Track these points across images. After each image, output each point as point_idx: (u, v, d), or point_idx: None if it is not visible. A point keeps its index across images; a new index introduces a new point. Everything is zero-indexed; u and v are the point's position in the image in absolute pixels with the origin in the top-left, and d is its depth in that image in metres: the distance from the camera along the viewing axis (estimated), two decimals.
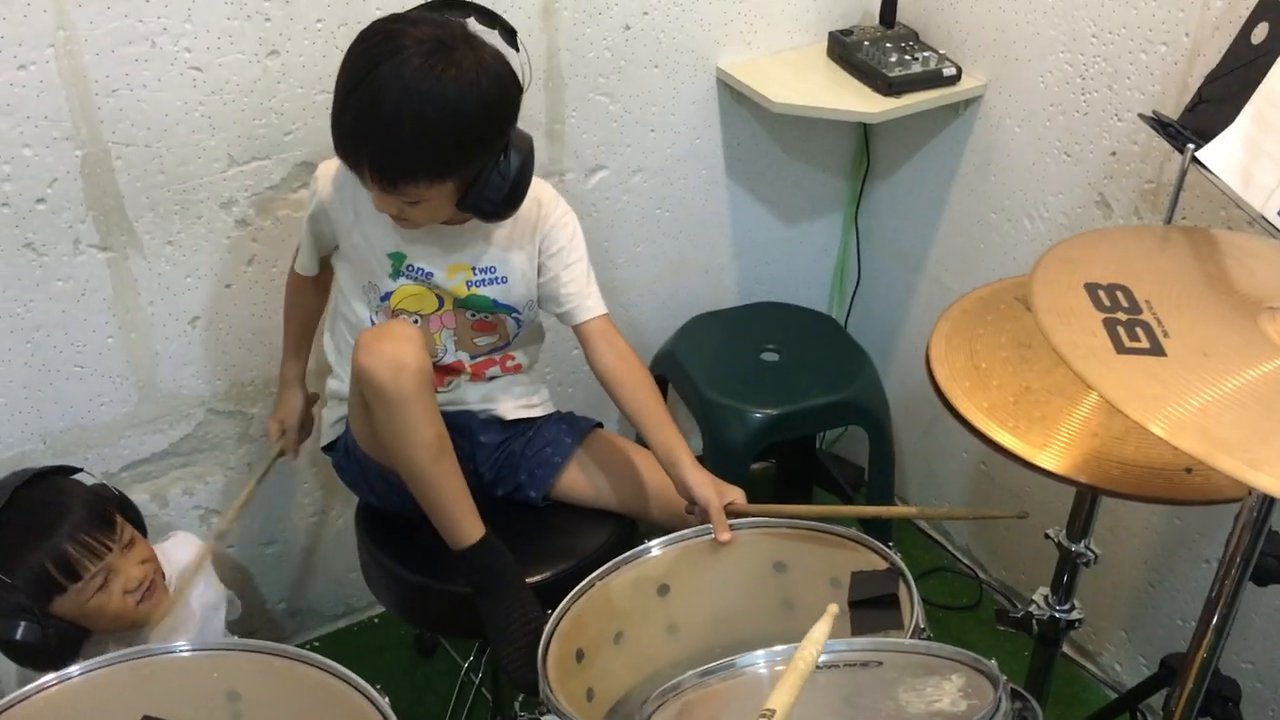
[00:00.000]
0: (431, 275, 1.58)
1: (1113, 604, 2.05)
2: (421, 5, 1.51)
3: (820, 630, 1.05)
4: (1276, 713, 1.82)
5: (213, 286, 1.80)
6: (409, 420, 1.44)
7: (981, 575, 2.35)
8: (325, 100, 1.72)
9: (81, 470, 1.58)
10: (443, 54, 1.38)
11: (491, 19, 1.53)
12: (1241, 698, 1.60)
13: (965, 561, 2.39)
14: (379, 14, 1.70)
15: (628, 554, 1.47)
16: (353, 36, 1.68)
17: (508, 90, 1.44)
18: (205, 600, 1.68)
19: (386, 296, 1.59)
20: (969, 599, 2.31)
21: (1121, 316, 0.97)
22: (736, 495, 1.55)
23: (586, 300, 1.62)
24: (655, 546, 1.49)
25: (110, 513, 1.51)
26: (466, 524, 1.51)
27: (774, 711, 0.94)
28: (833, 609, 1.08)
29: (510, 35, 1.53)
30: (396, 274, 1.58)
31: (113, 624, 1.51)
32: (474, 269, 1.59)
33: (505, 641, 1.49)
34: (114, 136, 1.62)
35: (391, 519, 1.66)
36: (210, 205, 1.74)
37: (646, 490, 1.66)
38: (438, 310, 1.61)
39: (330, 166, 1.58)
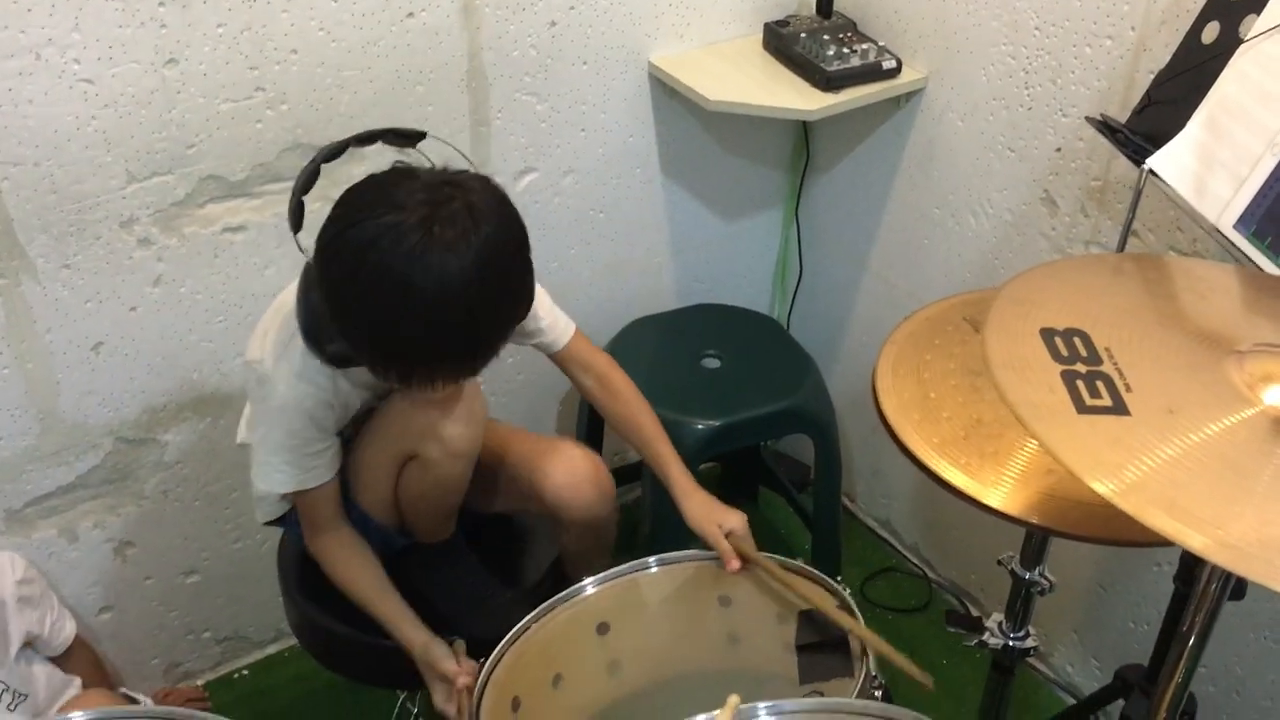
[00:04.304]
0: None
1: (1064, 606, 2.02)
2: (326, 154, 1.33)
3: None
4: (1231, 715, 1.80)
5: (116, 310, 1.68)
6: (465, 470, 1.46)
7: (931, 575, 2.31)
8: (230, 109, 1.62)
9: None
10: (447, 206, 1.18)
11: (409, 136, 1.38)
12: (1197, 708, 1.57)
13: (914, 560, 2.34)
14: (285, 17, 1.60)
15: (561, 594, 1.40)
16: (258, 41, 1.59)
17: (505, 194, 1.28)
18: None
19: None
20: (918, 600, 2.27)
21: (1081, 368, 0.91)
22: (737, 523, 1.48)
23: (558, 326, 1.57)
24: (590, 585, 1.43)
25: None
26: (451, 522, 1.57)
27: None
28: (733, 700, 1.01)
29: (419, 137, 1.39)
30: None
31: None
32: None
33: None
34: None
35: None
36: (109, 225, 1.62)
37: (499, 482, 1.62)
38: None
39: (287, 379, 1.37)
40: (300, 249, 1.30)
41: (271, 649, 2.13)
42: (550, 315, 1.55)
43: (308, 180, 1.32)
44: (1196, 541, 0.78)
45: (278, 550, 1.65)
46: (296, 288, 1.34)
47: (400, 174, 1.23)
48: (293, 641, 2.13)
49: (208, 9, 1.54)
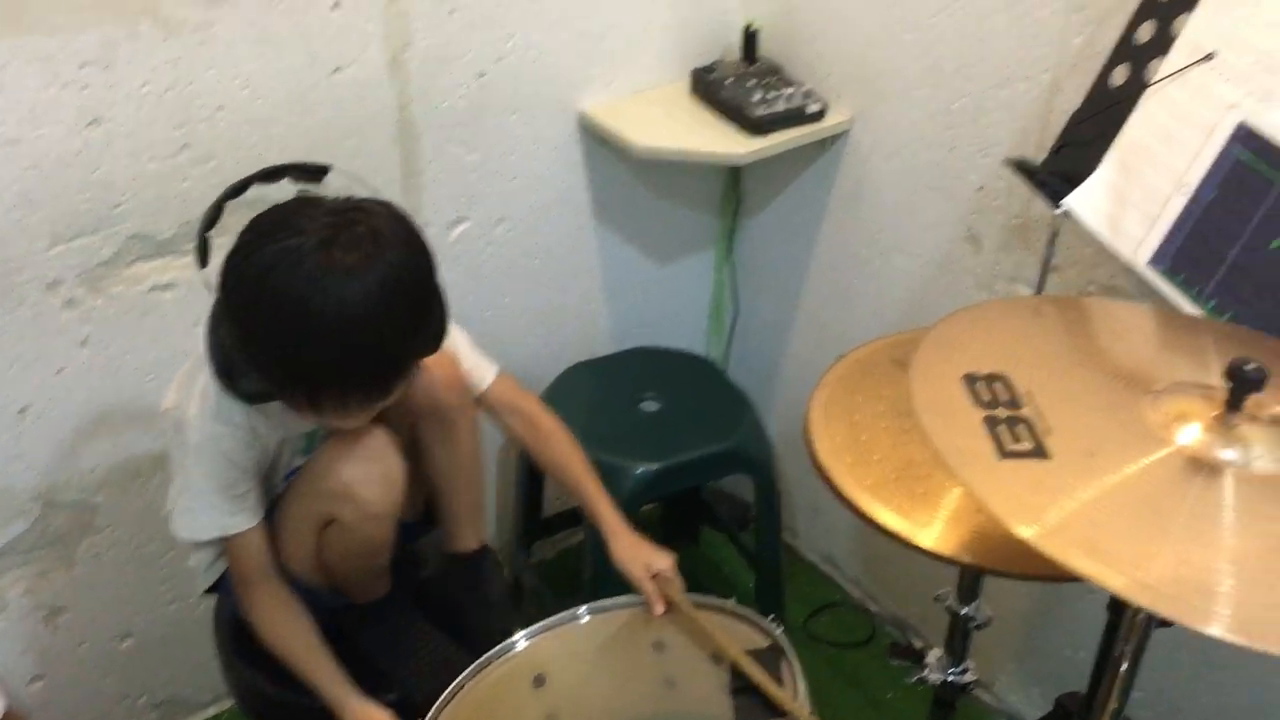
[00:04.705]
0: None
1: (1004, 636, 2.04)
2: (229, 191, 1.34)
3: None
4: None
5: (42, 373, 1.65)
6: (386, 531, 1.42)
7: (874, 609, 2.33)
8: (155, 168, 1.61)
9: None
10: (349, 230, 1.18)
11: (314, 170, 1.39)
12: None
13: (856, 595, 2.36)
14: (210, 75, 1.60)
15: (493, 651, 1.39)
16: (183, 99, 1.58)
17: (410, 218, 1.28)
18: None
19: (292, 473, 1.48)
20: (862, 634, 2.29)
21: (1002, 413, 0.93)
22: (664, 564, 1.48)
23: (479, 369, 1.55)
24: (520, 640, 1.42)
25: None
26: (385, 580, 1.55)
27: None
28: None
29: (324, 171, 1.41)
30: (311, 446, 1.47)
31: None
32: None
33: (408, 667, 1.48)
34: None
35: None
36: (34, 287, 1.60)
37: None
38: None
39: (202, 419, 1.35)
40: (206, 286, 1.30)
41: (211, 710, 2.09)
42: (470, 359, 1.55)
43: (211, 218, 1.32)
44: (1116, 583, 0.80)
45: (214, 611, 1.62)
46: (205, 328, 1.33)
47: (303, 202, 1.24)
48: (230, 703, 2.09)
49: (130, 69, 1.53)
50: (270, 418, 1.39)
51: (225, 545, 1.43)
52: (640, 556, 1.48)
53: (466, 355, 1.55)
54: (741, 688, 1.32)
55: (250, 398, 1.31)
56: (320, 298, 1.15)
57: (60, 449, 1.72)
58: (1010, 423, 0.92)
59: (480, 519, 1.61)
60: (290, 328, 1.18)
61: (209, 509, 1.38)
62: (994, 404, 0.94)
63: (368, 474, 1.36)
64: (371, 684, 1.43)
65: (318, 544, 1.44)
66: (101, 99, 1.53)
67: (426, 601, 1.59)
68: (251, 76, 1.63)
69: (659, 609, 1.43)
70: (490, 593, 1.57)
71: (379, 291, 1.17)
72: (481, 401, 1.57)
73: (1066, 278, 1.69)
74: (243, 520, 1.40)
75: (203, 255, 1.33)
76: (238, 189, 1.33)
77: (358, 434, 1.37)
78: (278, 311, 1.17)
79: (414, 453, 1.53)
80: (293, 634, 1.43)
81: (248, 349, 1.24)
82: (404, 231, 1.24)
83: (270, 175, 1.33)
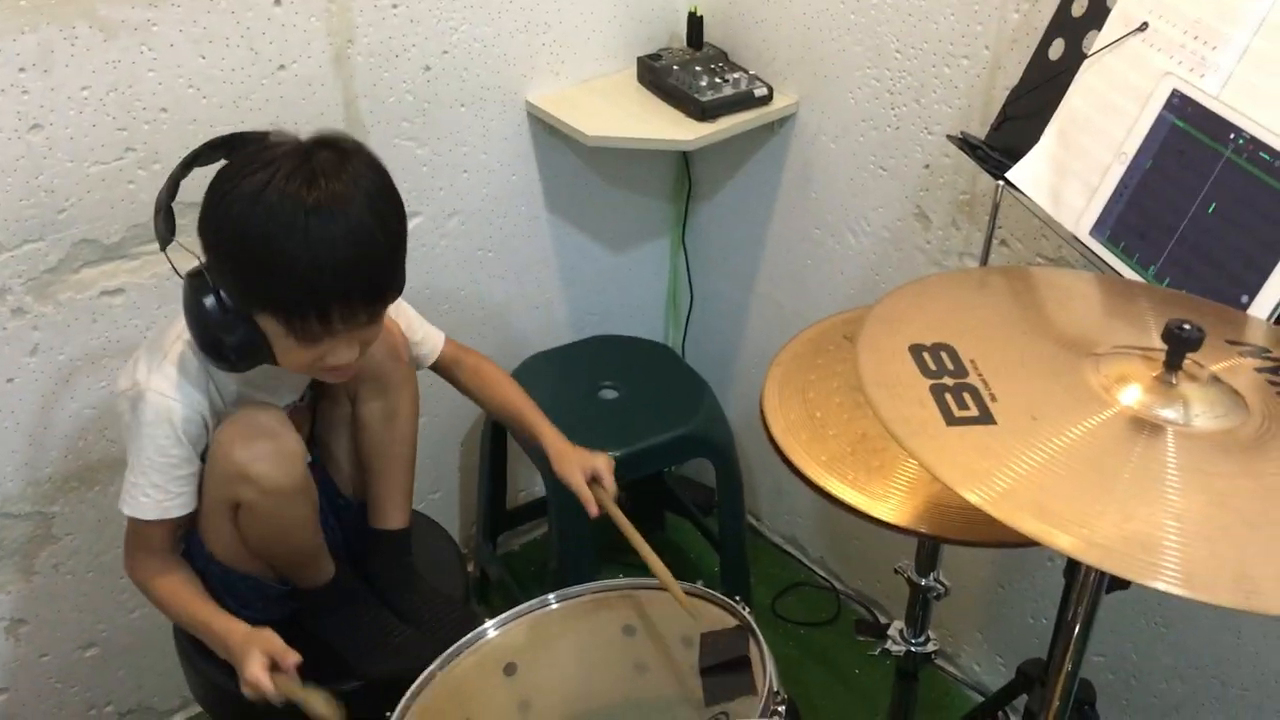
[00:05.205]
0: (290, 401, 1.51)
1: (965, 606, 2.07)
2: (185, 162, 1.34)
3: None
4: (1130, 701, 1.86)
5: None
6: (298, 509, 1.41)
7: (839, 586, 2.35)
8: (99, 172, 1.59)
9: None
10: (317, 149, 1.26)
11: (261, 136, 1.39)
12: (1096, 697, 1.63)
13: (821, 574, 2.38)
14: (152, 76, 1.58)
15: (464, 640, 1.39)
16: (125, 102, 1.57)
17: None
18: None
19: None
20: (828, 613, 2.31)
21: (948, 381, 0.94)
22: (600, 464, 1.54)
23: (431, 337, 1.63)
24: (491, 628, 1.42)
25: None
26: (325, 563, 1.53)
27: None
28: None
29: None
30: None
31: None
32: None
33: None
34: None
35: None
36: None
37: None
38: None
39: (160, 391, 1.36)
40: (176, 271, 1.32)
41: (178, 716, 2.08)
42: (423, 329, 1.63)
43: (171, 189, 1.33)
44: (1064, 542, 0.82)
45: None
46: (179, 321, 1.36)
47: (258, 146, 1.29)
48: (198, 709, 2.08)
49: (70, 73, 1.52)
50: (226, 392, 1.41)
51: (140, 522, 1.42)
52: (578, 461, 1.55)
53: (417, 326, 1.61)
54: (709, 666, 1.33)
55: (242, 353, 1.32)
56: (316, 197, 1.22)
57: (13, 460, 1.70)
58: (956, 390, 0.93)
59: (408, 500, 1.63)
60: (295, 237, 1.22)
61: (154, 488, 1.38)
62: (940, 373, 0.95)
63: (260, 451, 1.35)
64: (331, 671, 1.43)
65: (237, 530, 1.43)
66: (42, 103, 1.52)
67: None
68: (194, 76, 1.62)
69: (592, 511, 1.51)
70: (409, 574, 1.60)
71: (370, 187, 1.27)
72: (438, 366, 1.65)
73: (1014, 250, 1.72)
74: (181, 504, 1.40)
75: (169, 228, 1.33)
76: (190, 160, 1.34)
77: (248, 414, 1.38)
78: (279, 226, 1.22)
79: (354, 430, 1.58)
80: (180, 588, 1.44)
81: (253, 285, 1.27)
82: (358, 143, 1.32)
83: (220, 144, 1.33)
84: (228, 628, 1.39)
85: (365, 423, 1.57)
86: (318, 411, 1.60)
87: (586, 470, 1.54)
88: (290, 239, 1.22)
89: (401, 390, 1.57)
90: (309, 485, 1.44)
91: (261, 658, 1.32)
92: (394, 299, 1.35)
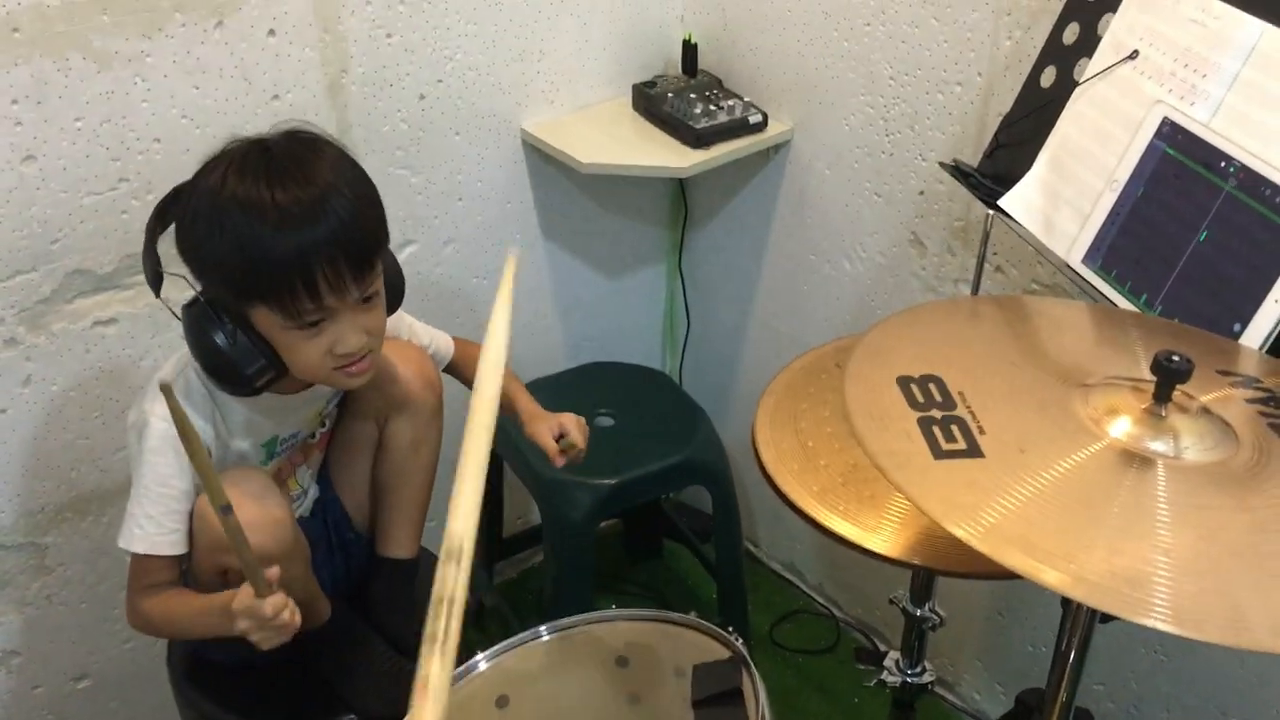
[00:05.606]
0: (298, 434, 1.50)
1: (965, 634, 2.06)
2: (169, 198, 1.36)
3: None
4: None
5: None
6: (289, 570, 1.35)
7: (838, 614, 2.33)
8: (92, 203, 1.60)
9: None
10: (264, 141, 1.30)
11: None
12: None
13: (820, 601, 2.37)
14: (145, 107, 1.59)
15: (455, 672, 1.38)
16: (118, 132, 1.57)
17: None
18: None
19: None
20: (827, 640, 2.29)
21: (936, 414, 0.94)
22: (569, 422, 1.58)
23: (439, 339, 1.64)
24: (482, 660, 1.41)
25: None
26: (321, 606, 1.52)
27: None
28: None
29: None
30: (270, 457, 1.47)
31: None
32: (326, 400, 1.51)
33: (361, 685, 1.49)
34: None
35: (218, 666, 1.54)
36: None
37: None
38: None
39: (163, 417, 1.33)
40: (175, 313, 1.34)
41: None
42: (428, 334, 1.64)
43: (149, 243, 1.34)
44: (1052, 578, 0.81)
45: (168, 647, 1.61)
46: (179, 357, 1.38)
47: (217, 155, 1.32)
48: None
49: (64, 104, 1.52)
50: (234, 423, 1.40)
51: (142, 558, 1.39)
52: (547, 421, 1.58)
53: (422, 332, 1.62)
54: (703, 698, 1.32)
55: (256, 378, 1.32)
56: (275, 167, 1.24)
57: (6, 491, 1.70)
58: (944, 423, 0.92)
59: (418, 532, 1.62)
60: (263, 212, 1.23)
61: (148, 520, 1.36)
62: (928, 405, 0.94)
63: (246, 519, 1.26)
64: (329, 707, 1.42)
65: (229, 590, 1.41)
66: (35, 135, 1.52)
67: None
68: (188, 106, 1.62)
69: (559, 462, 1.56)
70: (410, 605, 1.58)
71: (329, 155, 1.29)
72: (453, 367, 1.66)
73: (1010, 277, 1.71)
74: (173, 545, 1.37)
75: (155, 271, 1.33)
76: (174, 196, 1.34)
77: (232, 478, 1.32)
78: (244, 208, 1.23)
79: (377, 451, 1.60)
80: (169, 595, 1.40)
81: (238, 280, 1.26)
82: (309, 125, 1.36)
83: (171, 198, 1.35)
84: (222, 603, 1.32)
85: (390, 446, 1.58)
86: (342, 433, 1.59)
87: (554, 429, 1.57)
88: (260, 216, 1.23)
89: (431, 422, 1.58)
90: (298, 545, 1.42)
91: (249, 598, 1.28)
92: (377, 262, 1.33)
